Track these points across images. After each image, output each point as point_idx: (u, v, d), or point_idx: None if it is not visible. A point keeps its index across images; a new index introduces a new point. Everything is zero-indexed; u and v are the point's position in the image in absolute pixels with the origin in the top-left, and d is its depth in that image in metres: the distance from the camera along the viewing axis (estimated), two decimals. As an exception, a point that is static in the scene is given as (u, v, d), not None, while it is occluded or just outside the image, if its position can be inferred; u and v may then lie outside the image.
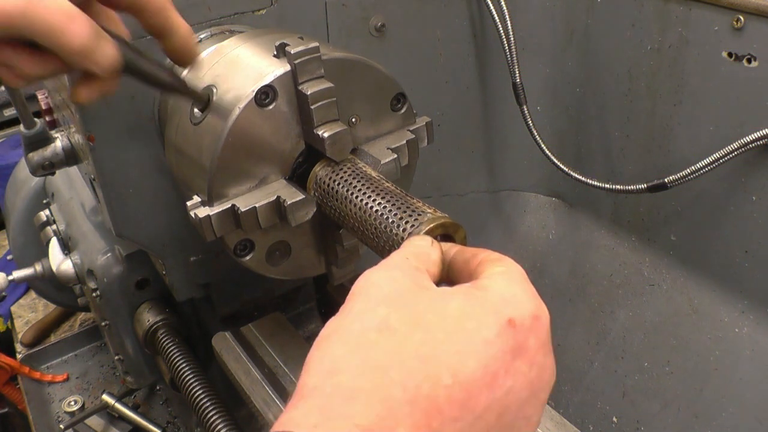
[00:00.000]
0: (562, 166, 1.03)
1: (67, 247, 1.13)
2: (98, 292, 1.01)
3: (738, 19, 0.83)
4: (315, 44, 0.63)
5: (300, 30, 0.81)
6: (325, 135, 0.63)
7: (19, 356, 1.45)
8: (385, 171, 0.67)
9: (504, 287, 0.43)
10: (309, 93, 0.62)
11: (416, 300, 0.42)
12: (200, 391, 0.91)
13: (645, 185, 0.93)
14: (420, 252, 0.48)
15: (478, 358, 0.39)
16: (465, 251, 0.49)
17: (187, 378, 0.94)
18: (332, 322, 0.42)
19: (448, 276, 0.49)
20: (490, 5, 0.99)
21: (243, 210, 0.63)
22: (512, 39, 0.99)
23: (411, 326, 0.40)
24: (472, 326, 0.40)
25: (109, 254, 1.01)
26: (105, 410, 1.24)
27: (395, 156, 0.68)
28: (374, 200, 0.59)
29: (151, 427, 1.22)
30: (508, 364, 0.40)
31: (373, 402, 0.37)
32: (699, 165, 0.86)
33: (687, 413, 0.98)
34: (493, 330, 0.40)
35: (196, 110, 0.67)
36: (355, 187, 0.62)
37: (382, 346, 0.39)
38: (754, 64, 0.84)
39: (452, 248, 0.50)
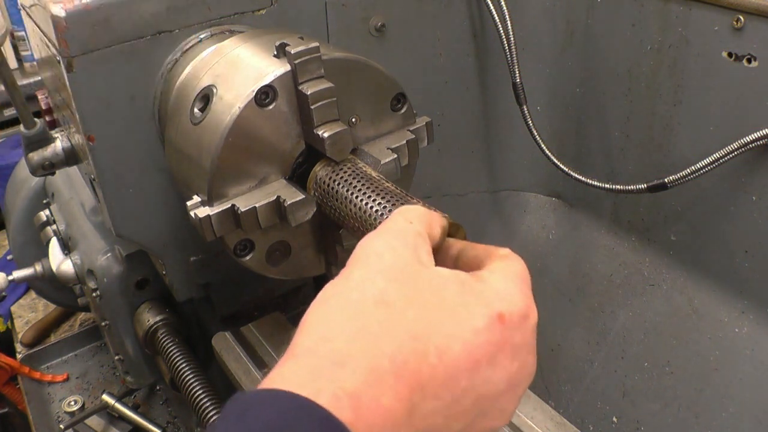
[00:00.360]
0: (562, 166, 1.03)
1: (67, 247, 1.13)
2: (98, 292, 1.01)
3: (738, 19, 0.83)
4: (315, 44, 0.63)
5: (300, 30, 0.81)
6: (325, 135, 0.63)
7: (19, 356, 1.45)
8: (385, 171, 0.67)
9: (500, 283, 0.45)
10: (309, 93, 0.62)
11: (415, 278, 0.44)
12: (200, 391, 0.91)
13: (645, 185, 0.93)
14: (423, 215, 0.49)
15: (464, 343, 0.41)
16: (476, 247, 0.51)
17: (187, 378, 0.94)
18: (331, 287, 0.44)
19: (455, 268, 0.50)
20: (490, 5, 0.99)
21: (243, 210, 0.63)
22: (512, 39, 0.99)
23: (407, 302, 0.42)
24: (464, 314, 0.42)
25: (109, 254, 1.01)
26: (105, 410, 1.24)
27: (395, 156, 0.68)
28: (374, 200, 0.59)
29: (151, 427, 1.22)
30: (492, 355, 0.42)
31: (361, 369, 0.39)
32: (699, 165, 0.86)
33: (687, 413, 0.98)
34: (483, 321, 0.42)
35: (196, 110, 0.67)
36: (355, 187, 0.62)
37: (376, 318, 0.41)
38: (754, 64, 0.84)
39: (460, 243, 0.52)
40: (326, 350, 0.40)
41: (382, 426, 0.38)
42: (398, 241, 0.46)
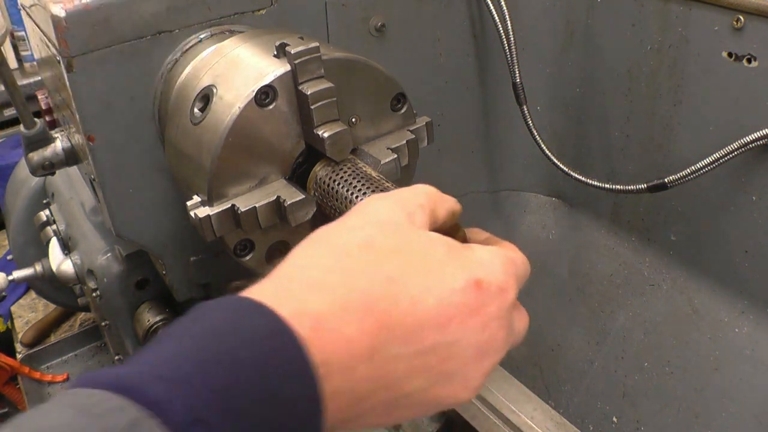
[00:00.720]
0: (562, 166, 1.03)
1: (67, 247, 1.13)
2: (98, 292, 1.01)
3: (738, 19, 0.83)
4: (315, 44, 0.63)
5: (300, 30, 0.81)
6: (325, 135, 0.63)
7: (19, 356, 1.45)
8: (385, 171, 0.67)
9: (486, 255, 0.46)
10: (309, 93, 0.62)
11: (406, 234, 0.45)
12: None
13: (645, 185, 0.93)
14: (432, 194, 0.50)
15: (439, 299, 0.42)
16: (483, 234, 0.53)
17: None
18: (323, 229, 0.45)
19: None
20: (490, 5, 0.99)
21: (243, 210, 0.63)
22: (512, 39, 0.99)
23: (392, 251, 0.43)
24: (444, 272, 0.43)
25: (109, 254, 1.01)
26: (105, 410, 1.24)
27: (395, 156, 0.68)
28: (374, 200, 0.59)
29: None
30: (464, 317, 0.42)
31: (332, 297, 0.40)
32: (699, 165, 0.86)
33: (687, 413, 0.98)
34: (460, 283, 0.43)
35: (196, 110, 0.67)
36: (355, 187, 0.62)
37: (359, 258, 0.42)
38: (754, 64, 0.84)
39: (470, 232, 0.54)
40: (303, 276, 0.41)
41: (340, 354, 0.38)
42: (398, 205, 0.47)
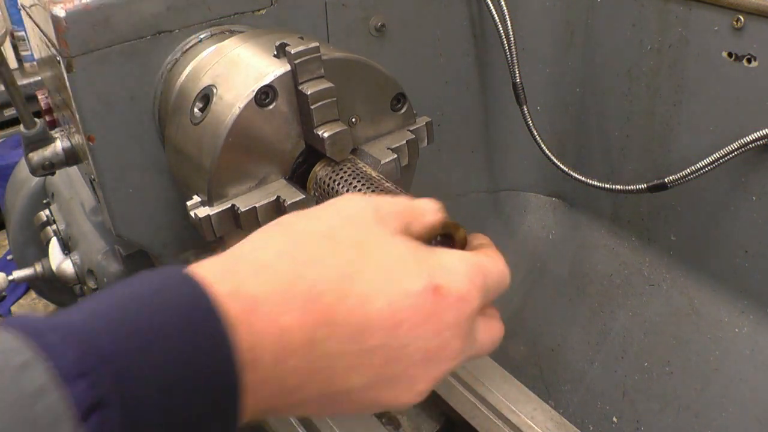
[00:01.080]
0: (562, 166, 1.03)
1: (67, 247, 1.13)
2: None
3: (738, 19, 0.83)
4: (315, 44, 0.63)
5: (300, 30, 0.81)
6: (325, 135, 0.63)
7: (19, 356, 1.45)
8: (385, 171, 0.67)
9: (450, 260, 0.44)
10: (309, 93, 0.62)
11: (370, 231, 0.43)
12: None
13: (645, 185, 0.93)
14: (415, 208, 0.48)
15: (391, 301, 0.40)
16: (480, 239, 0.52)
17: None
18: (289, 215, 0.44)
19: None
20: (490, 5, 0.99)
21: (243, 210, 0.63)
22: (512, 39, 0.99)
23: (350, 245, 0.41)
24: (401, 274, 0.41)
25: (109, 254, 1.01)
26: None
27: (395, 156, 0.68)
28: (374, 200, 0.59)
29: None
30: (416, 322, 0.40)
31: (274, 281, 0.38)
32: (699, 165, 0.86)
33: (687, 413, 0.98)
34: (417, 287, 0.41)
35: (196, 110, 0.67)
36: (355, 187, 0.62)
37: (314, 247, 0.41)
38: (754, 64, 0.84)
39: (470, 236, 0.52)
40: (251, 257, 0.40)
41: (272, 343, 0.37)
42: (371, 205, 0.45)
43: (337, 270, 0.40)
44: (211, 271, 0.38)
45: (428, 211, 0.49)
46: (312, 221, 0.43)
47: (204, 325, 0.35)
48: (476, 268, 0.44)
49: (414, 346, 0.41)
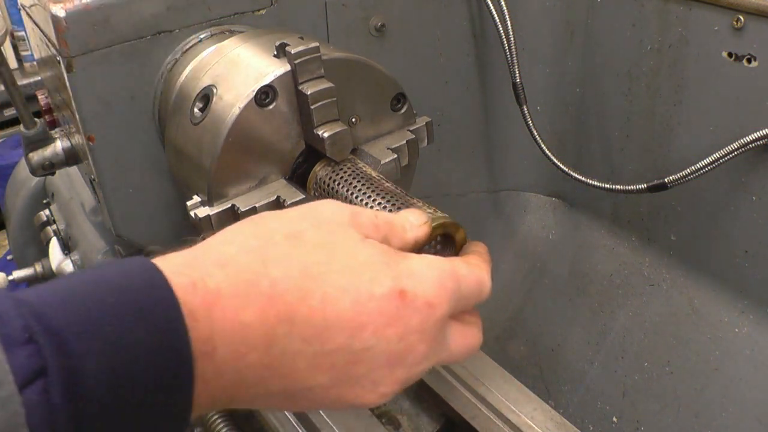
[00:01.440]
0: (562, 166, 1.03)
1: (67, 247, 1.13)
2: (98, 292, 1.01)
3: (738, 19, 0.83)
4: (315, 44, 0.63)
5: (300, 30, 0.81)
6: (325, 135, 0.63)
7: (19, 356, 1.45)
8: (385, 171, 0.67)
9: (420, 266, 0.43)
10: (309, 93, 0.62)
11: (341, 234, 0.43)
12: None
13: (645, 185, 0.93)
14: (395, 225, 0.48)
15: (355, 303, 0.40)
16: (476, 246, 0.51)
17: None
18: (263, 214, 0.45)
19: None
20: (490, 5, 0.99)
21: (243, 210, 0.63)
22: (512, 39, 0.99)
23: (317, 246, 0.41)
24: (368, 277, 0.41)
25: (109, 254, 1.01)
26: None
27: (395, 156, 0.68)
28: (374, 200, 0.59)
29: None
30: (379, 326, 0.40)
31: (237, 276, 0.38)
32: (699, 165, 0.86)
33: (687, 413, 0.98)
34: (382, 290, 0.41)
35: (196, 110, 0.67)
36: (355, 187, 0.62)
37: (282, 246, 0.41)
38: (754, 64, 0.84)
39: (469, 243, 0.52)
40: (218, 251, 0.40)
41: (231, 336, 0.37)
42: (349, 211, 0.45)
43: (301, 270, 0.40)
44: (173, 262, 0.38)
45: (410, 227, 0.48)
46: (284, 221, 0.43)
47: (156, 310, 0.35)
48: (448, 274, 0.44)
49: (377, 349, 0.41)
